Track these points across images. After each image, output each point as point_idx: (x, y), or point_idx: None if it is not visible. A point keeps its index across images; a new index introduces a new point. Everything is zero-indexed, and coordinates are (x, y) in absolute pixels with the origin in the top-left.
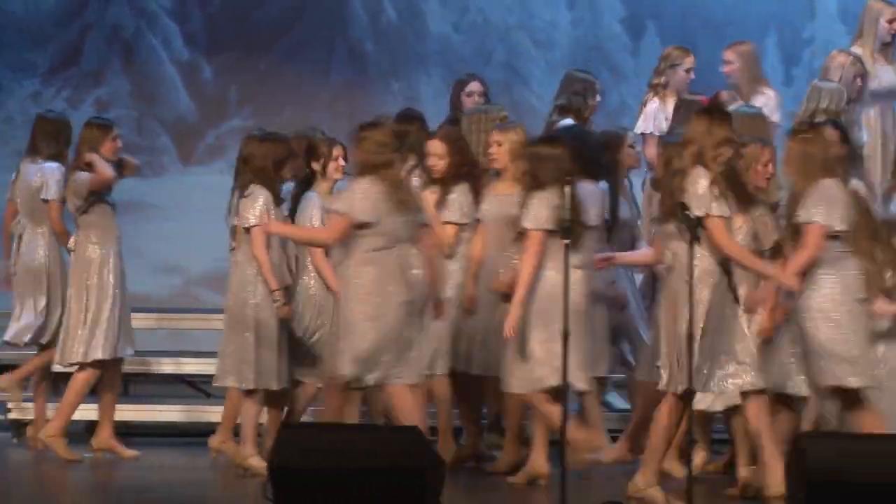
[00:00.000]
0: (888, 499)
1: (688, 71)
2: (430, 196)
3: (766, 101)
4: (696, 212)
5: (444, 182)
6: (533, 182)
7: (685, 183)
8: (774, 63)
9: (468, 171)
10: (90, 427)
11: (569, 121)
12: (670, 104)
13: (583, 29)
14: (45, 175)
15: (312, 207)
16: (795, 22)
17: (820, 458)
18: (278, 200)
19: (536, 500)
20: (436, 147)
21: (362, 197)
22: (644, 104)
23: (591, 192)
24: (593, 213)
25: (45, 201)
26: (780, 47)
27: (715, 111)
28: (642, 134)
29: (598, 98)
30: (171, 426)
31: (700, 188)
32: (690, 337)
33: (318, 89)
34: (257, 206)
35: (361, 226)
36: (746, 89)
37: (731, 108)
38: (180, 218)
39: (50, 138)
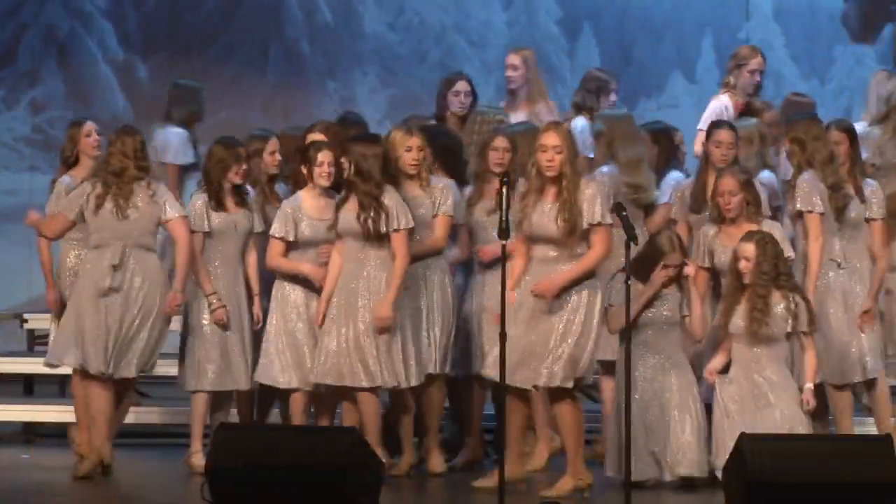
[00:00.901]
0: (825, 498)
1: (752, 72)
2: None
3: (548, 110)
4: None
5: None
6: (361, 179)
7: None
8: (710, 65)
9: None
10: (27, 428)
11: (581, 119)
12: (738, 103)
13: (518, 29)
14: (167, 139)
15: (286, 207)
16: (731, 24)
17: (759, 460)
18: (220, 205)
19: (473, 501)
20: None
21: (73, 196)
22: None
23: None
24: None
25: (163, 164)
26: (715, 49)
27: None
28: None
29: (614, 97)
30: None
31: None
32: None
33: (254, 89)
34: (193, 207)
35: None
36: (528, 95)
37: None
38: None
39: (180, 104)
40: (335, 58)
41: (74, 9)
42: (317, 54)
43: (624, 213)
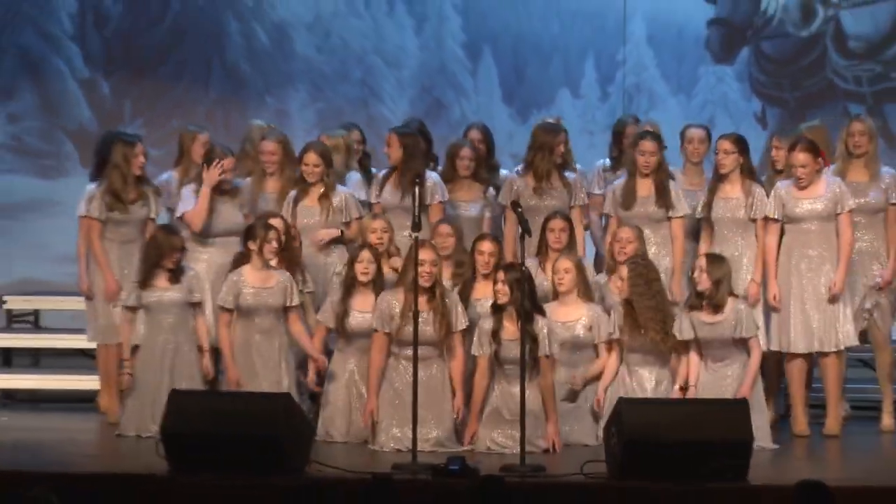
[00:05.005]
0: (689, 454)
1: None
2: None
3: None
4: None
5: None
6: None
7: None
8: (591, 82)
9: None
10: (5, 393)
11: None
12: None
13: (428, 52)
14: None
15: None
16: (610, 47)
17: (634, 420)
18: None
19: None
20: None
21: None
22: None
23: None
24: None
25: None
26: (596, 69)
27: None
28: None
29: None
30: (79, 393)
31: None
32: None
33: (199, 103)
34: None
35: None
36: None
37: None
38: None
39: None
40: (271, 76)
41: (45, 33)
42: (255, 73)
43: (519, 210)
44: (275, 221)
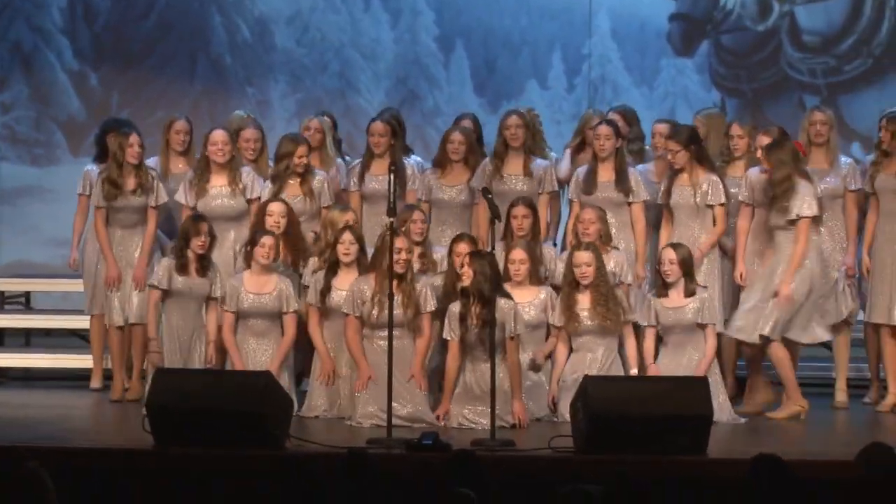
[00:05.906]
0: (652, 428)
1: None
2: None
3: None
4: None
5: None
6: None
7: None
8: (559, 74)
9: None
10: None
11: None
12: None
13: (403, 45)
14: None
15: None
16: (576, 41)
17: (599, 396)
18: (184, 269)
19: None
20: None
21: None
22: None
23: None
24: None
25: None
26: (564, 61)
27: None
28: None
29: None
30: (68, 371)
31: None
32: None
33: (184, 94)
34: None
35: None
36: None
37: None
38: (70, 200)
39: None
40: (252, 68)
41: (36, 27)
42: (237, 65)
43: (489, 196)
44: (274, 206)
